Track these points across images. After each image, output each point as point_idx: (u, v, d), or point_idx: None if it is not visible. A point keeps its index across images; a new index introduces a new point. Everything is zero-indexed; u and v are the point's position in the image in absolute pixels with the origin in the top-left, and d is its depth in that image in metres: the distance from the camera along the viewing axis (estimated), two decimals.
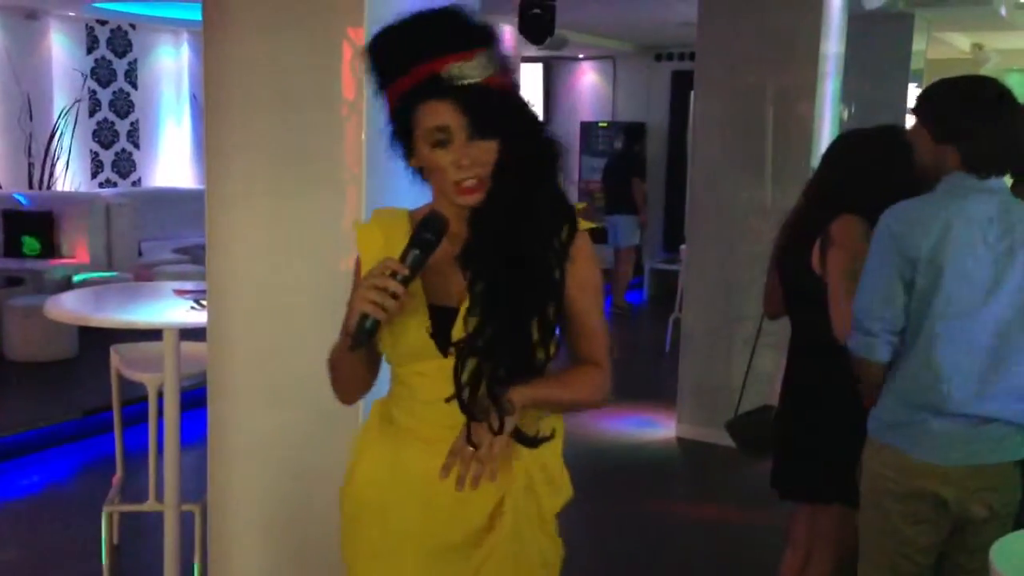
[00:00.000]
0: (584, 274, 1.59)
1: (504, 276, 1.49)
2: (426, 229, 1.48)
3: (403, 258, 1.46)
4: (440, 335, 1.55)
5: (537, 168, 1.52)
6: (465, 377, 1.50)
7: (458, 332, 1.53)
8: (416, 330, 1.55)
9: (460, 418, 1.51)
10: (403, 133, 1.53)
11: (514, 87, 1.52)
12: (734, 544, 4.02)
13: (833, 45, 4.99)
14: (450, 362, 1.52)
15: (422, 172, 1.56)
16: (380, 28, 1.51)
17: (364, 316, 1.45)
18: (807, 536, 2.80)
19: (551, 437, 1.60)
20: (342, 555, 1.75)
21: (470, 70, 1.43)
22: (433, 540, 1.63)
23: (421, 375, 1.58)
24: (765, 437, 2.82)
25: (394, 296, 1.43)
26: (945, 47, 9.35)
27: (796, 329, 2.77)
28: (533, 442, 1.56)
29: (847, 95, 5.46)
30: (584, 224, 1.60)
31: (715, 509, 4.45)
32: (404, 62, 1.46)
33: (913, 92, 8.01)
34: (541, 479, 1.64)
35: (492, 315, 1.49)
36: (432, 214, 1.49)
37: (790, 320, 2.78)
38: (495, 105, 1.45)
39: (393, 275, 1.43)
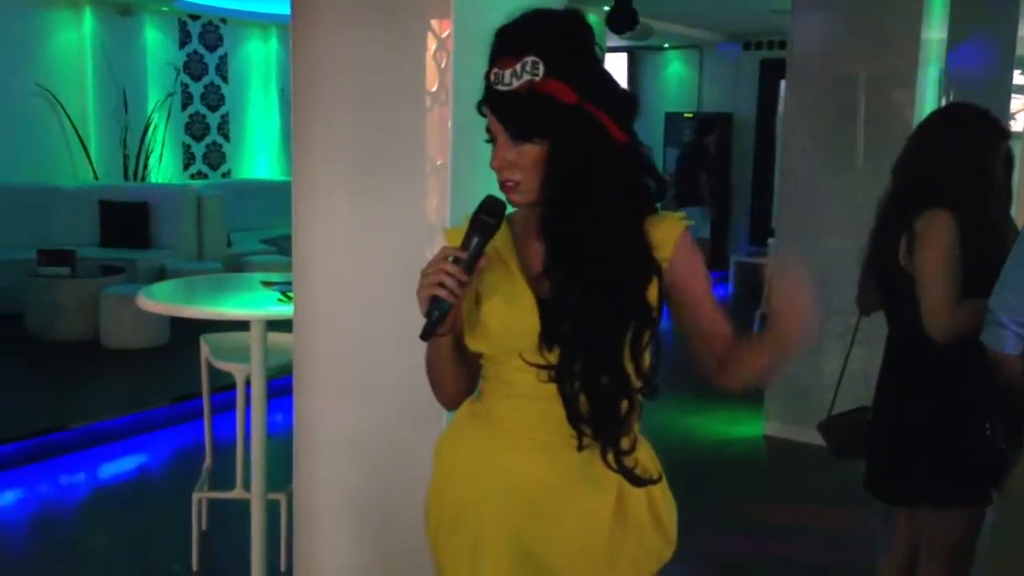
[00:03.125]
0: (688, 263, 1.57)
1: (579, 296, 1.48)
2: (485, 212, 1.49)
3: (464, 244, 1.47)
4: (546, 328, 1.53)
5: (592, 175, 1.47)
6: (576, 404, 1.51)
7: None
8: (523, 322, 1.53)
9: (562, 413, 1.52)
10: None
11: (572, 92, 1.45)
12: (824, 548, 3.90)
13: (933, 31, 4.80)
14: (552, 358, 1.51)
15: None
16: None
17: (432, 302, 1.46)
18: (907, 542, 2.69)
19: (658, 480, 1.63)
20: (433, 555, 1.72)
21: (508, 76, 1.45)
22: (533, 540, 1.59)
23: (521, 371, 1.55)
24: (859, 440, 2.71)
25: (458, 281, 1.44)
26: None
27: (891, 325, 2.66)
28: (640, 482, 1.58)
29: (947, 83, 5.24)
30: (679, 219, 1.57)
31: (804, 510, 4.32)
32: (489, 63, 1.52)
33: (1018, 79, 7.67)
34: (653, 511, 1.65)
35: (575, 343, 1.49)
36: (489, 198, 1.50)
37: (886, 316, 2.68)
38: (529, 112, 1.45)
39: (456, 261, 1.44)
